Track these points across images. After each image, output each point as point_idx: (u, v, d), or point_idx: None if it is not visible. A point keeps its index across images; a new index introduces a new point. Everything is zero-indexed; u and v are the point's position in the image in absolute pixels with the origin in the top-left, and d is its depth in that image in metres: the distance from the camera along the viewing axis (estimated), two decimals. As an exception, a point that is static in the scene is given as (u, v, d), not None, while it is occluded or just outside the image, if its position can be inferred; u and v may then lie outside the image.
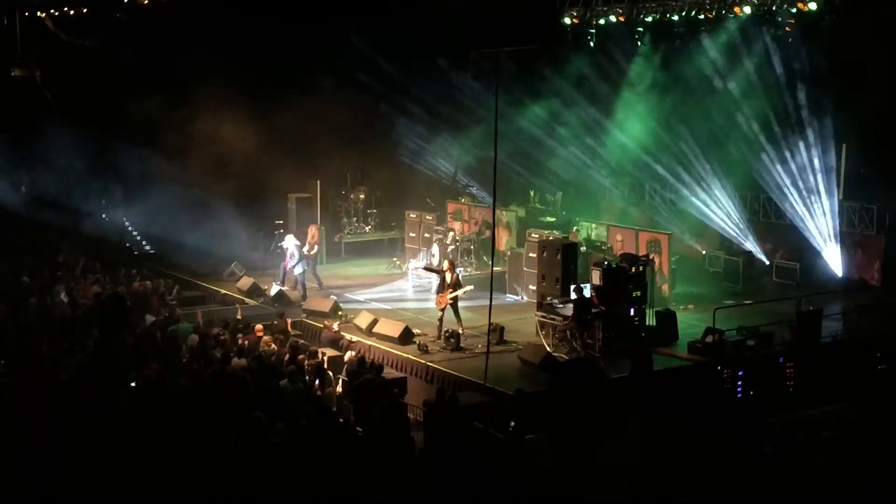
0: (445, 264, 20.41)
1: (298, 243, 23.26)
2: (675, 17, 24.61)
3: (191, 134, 26.07)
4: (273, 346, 17.78)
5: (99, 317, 17.41)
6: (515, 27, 14.71)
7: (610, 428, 14.48)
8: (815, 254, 23.94)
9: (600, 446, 13.74)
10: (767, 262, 24.28)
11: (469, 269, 23.54)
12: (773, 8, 23.11)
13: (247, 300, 22.83)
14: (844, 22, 21.70)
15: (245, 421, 13.34)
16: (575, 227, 23.56)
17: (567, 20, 26.41)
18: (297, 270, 23.04)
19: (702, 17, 24.14)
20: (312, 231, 24.09)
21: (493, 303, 17.85)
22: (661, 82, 25.68)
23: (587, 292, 18.91)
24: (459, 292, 19.69)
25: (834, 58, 22.44)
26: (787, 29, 23.10)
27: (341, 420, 15.28)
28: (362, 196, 28.73)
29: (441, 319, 19.73)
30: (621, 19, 25.70)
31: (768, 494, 13.35)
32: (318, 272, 24.19)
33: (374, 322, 20.04)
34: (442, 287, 19.89)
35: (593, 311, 18.59)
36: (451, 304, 19.67)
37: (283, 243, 23.57)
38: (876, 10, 21.23)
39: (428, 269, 22.13)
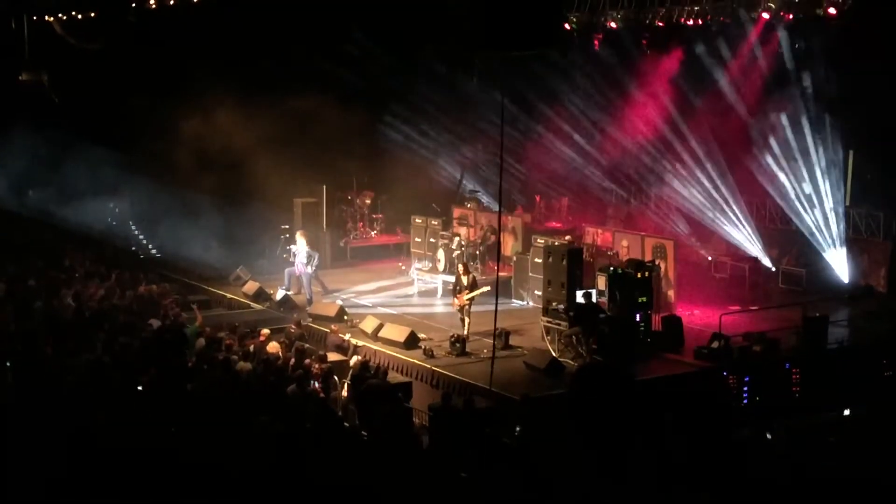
0: (460, 268, 20.45)
1: (309, 249, 23.28)
2: (682, 21, 24.60)
3: (193, 138, 26.09)
4: (279, 351, 17.79)
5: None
6: (520, 31, 14.73)
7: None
8: (822, 260, 23.95)
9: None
10: (773, 268, 24.26)
11: (475, 275, 23.51)
12: (781, 13, 23.10)
13: (252, 304, 22.86)
14: (853, 27, 21.68)
15: (250, 424, 13.36)
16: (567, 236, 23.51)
17: (573, 23, 26.41)
18: (307, 274, 23.07)
19: (708, 20, 24.13)
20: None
21: (498, 308, 17.84)
22: (666, 86, 25.70)
23: (594, 298, 18.94)
24: (476, 293, 19.73)
25: (842, 63, 22.44)
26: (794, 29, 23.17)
27: (346, 424, 15.29)
28: (368, 201, 28.75)
29: (462, 319, 19.84)
30: (627, 23, 25.71)
31: (774, 500, 13.31)
32: (321, 277, 24.23)
33: (380, 326, 20.04)
34: (458, 289, 19.96)
35: (600, 316, 18.59)
36: (466, 306, 19.74)
37: (293, 247, 23.59)
38: (885, 15, 21.22)
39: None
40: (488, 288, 19.86)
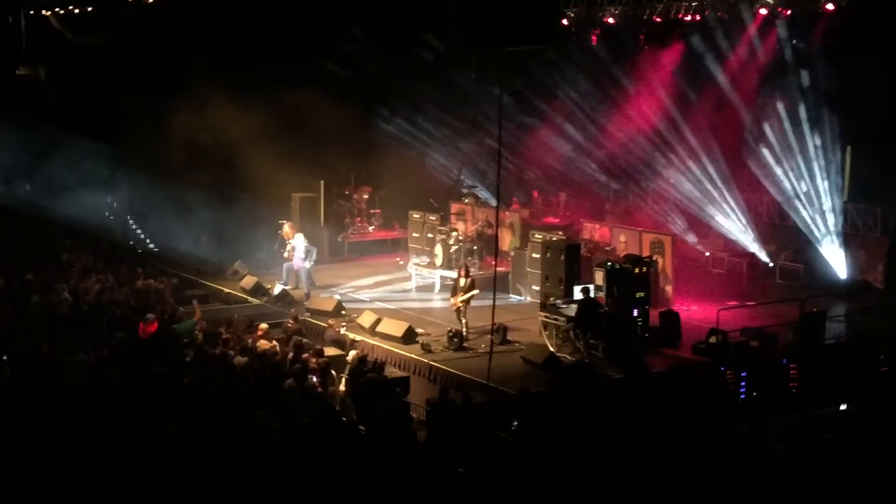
0: (462, 269, 20.42)
1: (307, 243, 23.27)
2: (680, 17, 24.63)
3: (190, 133, 26.06)
4: (274, 344, 17.75)
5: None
6: (518, 27, 14.75)
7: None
8: (819, 255, 23.97)
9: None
10: (771, 264, 24.29)
11: (472, 270, 23.51)
12: (779, 9, 23.15)
13: (250, 299, 22.85)
14: (851, 23, 21.72)
15: (247, 420, 13.36)
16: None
17: (571, 18, 26.45)
18: (305, 268, 23.06)
19: (706, 15, 24.18)
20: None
21: (496, 303, 17.84)
22: (664, 81, 25.71)
23: (592, 293, 18.95)
24: (468, 296, 19.69)
25: (839, 59, 22.47)
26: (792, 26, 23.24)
27: (344, 419, 15.30)
28: (366, 196, 28.74)
29: (459, 320, 19.75)
30: (625, 18, 25.75)
31: (771, 496, 13.34)
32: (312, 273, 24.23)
33: (378, 321, 20.04)
34: (455, 290, 19.95)
35: (598, 311, 18.60)
36: (461, 307, 19.72)
37: (291, 242, 23.57)
38: (883, 11, 21.23)
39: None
40: (477, 291, 19.83)
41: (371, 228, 28.76)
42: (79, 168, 27.93)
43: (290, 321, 19.68)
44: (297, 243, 23.26)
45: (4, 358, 16.32)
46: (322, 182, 27.31)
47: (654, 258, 21.25)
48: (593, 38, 26.64)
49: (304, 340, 18.47)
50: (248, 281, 23.50)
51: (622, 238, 22.89)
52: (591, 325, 18.30)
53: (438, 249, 24.10)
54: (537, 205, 28.51)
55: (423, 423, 15.86)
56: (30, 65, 29.72)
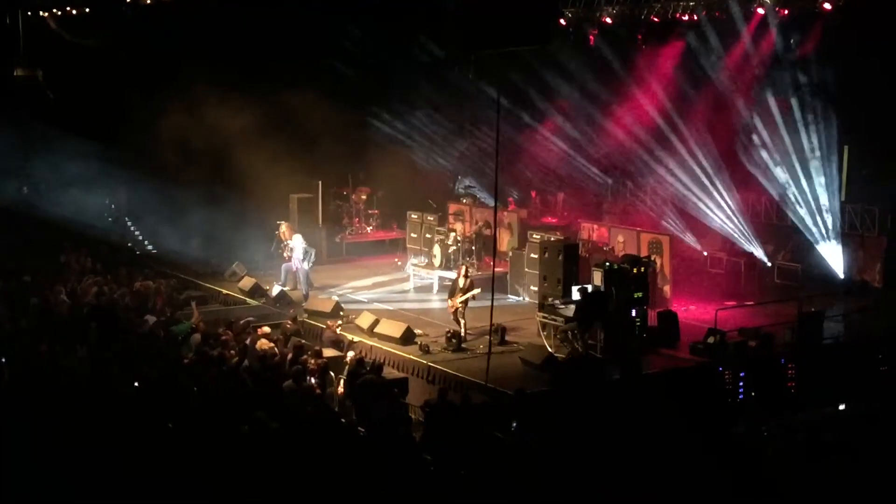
0: (462, 269, 20.40)
1: (305, 244, 23.26)
2: (677, 16, 24.64)
3: (187, 134, 26.05)
4: (273, 346, 17.73)
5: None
6: (515, 28, 14.77)
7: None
8: (817, 255, 23.99)
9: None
10: (769, 264, 24.30)
11: (471, 270, 23.50)
12: (777, 9, 23.16)
13: (248, 300, 22.85)
14: (848, 22, 21.73)
15: (246, 421, 13.35)
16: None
17: (568, 18, 26.44)
18: (304, 269, 23.05)
19: (704, 15, 24.20)
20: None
21: (494, 303, 17.86)
22: (661, 81, 25.72)
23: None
24: (467, 297, 19.68)
25: (837, 58, 22.48)
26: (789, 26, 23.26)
27: (343, 420, 15.29)
28: (364, 196, 28.74)
29: (458, 321, 19.72)
30: (622, 18, 25.76)
31: (769, 497, 13.34)
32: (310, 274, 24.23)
33: (376, 322, 20.04)
34: (453, 291, 19.92)
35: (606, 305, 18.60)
36: (459, 309, 19.70)
37: (289, 243, 23.57)
38: (880, 10, 21.24)
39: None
40: (478, 290, 19.85)
41: (369, 229, 28.75)
42: (76, 169, 27.90)
43: (289, 322, 19.66)
44: (296, 244, 23.25)
45: (3, 360, 16.35)
46: (320, 183, 27.30)
47: (653, 258, 21.26)
48: (591, 37, 26.63)
49: (303, 342, 18.45)
50: (247, 282, 23.49)
51: (620, 238, 22.89)
52: (594, 319, 18.28)
53: (437, 250, 24.11)
54: (535, 205, 28.51)
55: (421, 424, 15.86)
56: (27, 66, 29.68)
